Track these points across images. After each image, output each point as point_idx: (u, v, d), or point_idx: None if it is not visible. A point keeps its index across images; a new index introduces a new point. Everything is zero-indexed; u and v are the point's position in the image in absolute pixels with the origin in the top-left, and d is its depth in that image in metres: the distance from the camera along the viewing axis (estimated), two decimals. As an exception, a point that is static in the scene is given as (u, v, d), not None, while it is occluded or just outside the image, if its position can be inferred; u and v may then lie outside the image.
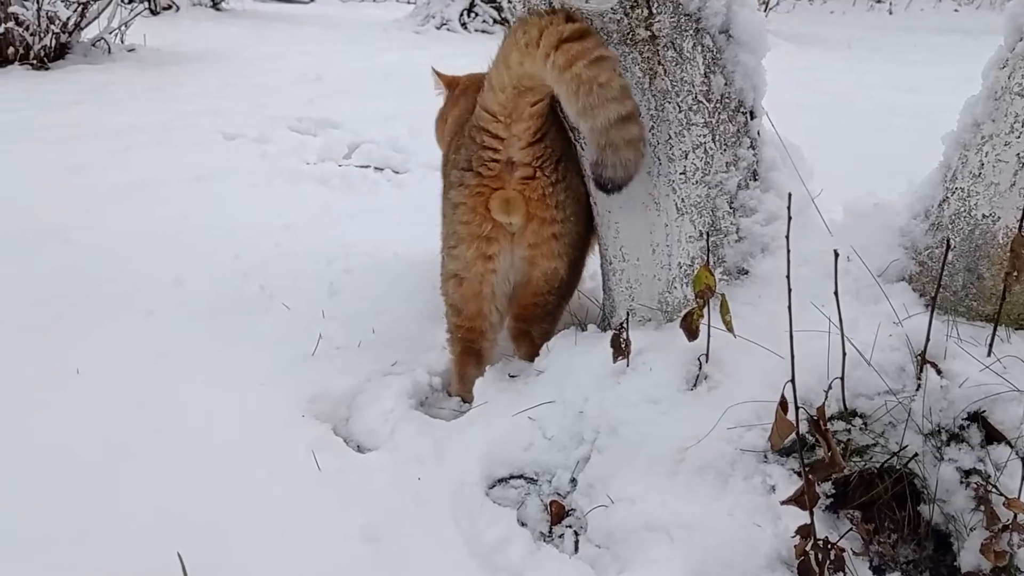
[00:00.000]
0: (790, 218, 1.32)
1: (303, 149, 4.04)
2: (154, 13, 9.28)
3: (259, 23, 9.88)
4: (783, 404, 1.35)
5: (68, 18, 6.04)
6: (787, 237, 1.31)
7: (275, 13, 11.29)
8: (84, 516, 1.54)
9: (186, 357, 2.06)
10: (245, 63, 6.64)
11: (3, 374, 1.95)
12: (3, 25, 5.82)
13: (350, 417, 1.96)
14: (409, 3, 13.09)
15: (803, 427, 1.46)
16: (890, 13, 14.06)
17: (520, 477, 1.72)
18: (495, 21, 9.88)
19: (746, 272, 1.82)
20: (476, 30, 9.71)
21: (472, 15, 9.80)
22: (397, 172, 3.89)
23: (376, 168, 3.94)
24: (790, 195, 1.33)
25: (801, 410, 1.39)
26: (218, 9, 10.48)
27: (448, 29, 9.61)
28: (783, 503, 1.39)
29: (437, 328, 2.25)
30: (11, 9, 5.78)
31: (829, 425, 1.43)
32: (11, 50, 5.95)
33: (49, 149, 3.71)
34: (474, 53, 7.75)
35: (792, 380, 1.32)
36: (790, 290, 1.33)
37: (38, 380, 1.94)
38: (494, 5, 9.91)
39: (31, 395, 1.88)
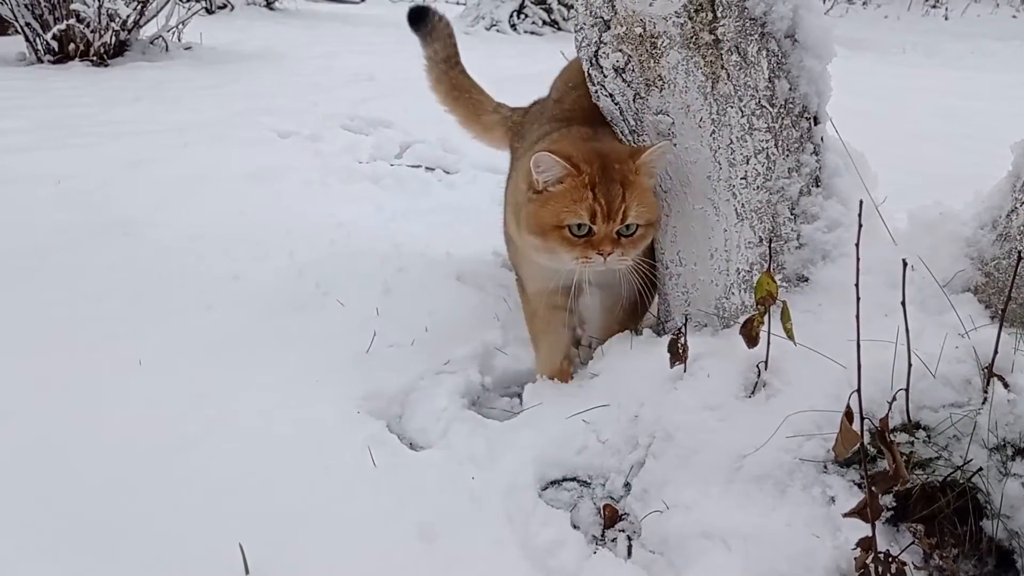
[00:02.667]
0: (860, 225, 1.30)
1: (356, 148, 4.08)
2: (209, 12, 9.44)
3: (312, 22, 10.00)
4: (848, 414, 1.33)
5: (128, 16, 6.17)
6: (857, 245, 1.30)
7: (327, 13, 11.41)
8: (146, 504, 1.57)
9: (245, 352, 2.10)
10: (298, 62, 6.72)
11: (70, 364, 2.00)
12: (64, 22, 5.96)
13: (403, 415, 1.97)
14: (459, 4, 13.15)
15: (866, 438, 1.43)
16: (945, 19, 13.77)
17: (573, 480, 1.72)
18: (544, 23, 9.88)
19: (806, 279, 1.80)
20: (525, 31, 9.71)
21: (522, 16, 9.81)
22: (448, 172, 3.91)
23: (427, 168, 3.96)
24: (861, 202, 1.31)
25: (865, 421, 1.37)
26: (272, 8, 10.63)
27: (497, 30, 9.63)
28: (846, 515, 1.37)
29: (489, 328, 2.26)
30: (72, 6, 5.92)
31: (892, 437, 1.40)
32: (72, 47, 6.09)
33: (112, 144, 3.79)
34: (523, 54, 7.82)
35: (858, 390, 1.30)
36: (859, 298, 1.32)
37: (103, 370, 1.98)
38: (544, 7, 9.90)
39: (97, 385, 1.93)
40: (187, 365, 2.03)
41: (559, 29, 9.90)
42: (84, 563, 1.43)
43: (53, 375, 1.94)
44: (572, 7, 9.91)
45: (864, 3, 14.44)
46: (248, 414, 1.84)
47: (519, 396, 2.06)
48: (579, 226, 1.71)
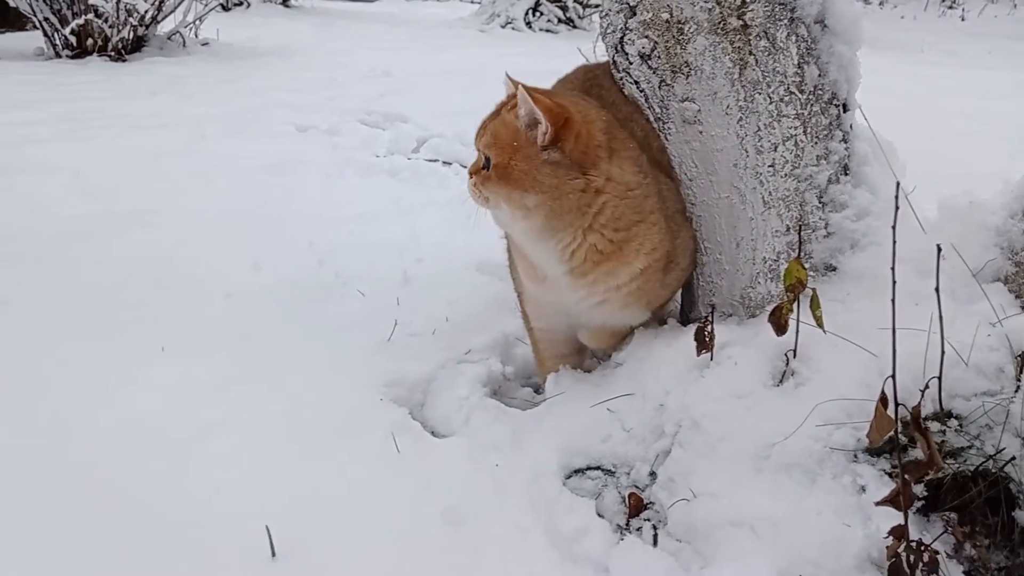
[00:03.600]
0: (897, 207, 1.28)
1: (373, 142, 4.08)
2: (226, 9, 9.48)
3: (327, 20, 10.03)
4: (883, 400, 1.31)
5: (145, 11, 6.19)
6: (893, 227, 1.28)
7: (342, 10, 11.45)
8: (172, 488, 1.57)
9: (267, 339, 2.09)
10: (315, 58, 6.73)
11: (92, 350, 2.00)
12: (83, 16, 5.99)
13: (425, 403, 1.97)
14: (473, 2, 13.16)
15: (898, 426, 1.42)
16: (962, 19, 13.67)
17: (597, 468, 1.70)
18: (560, 20, 9.87)
19: (834, 268, 1.79)
20: (541, 29, 9.71)
21: (537, 14, 9.80)
22: (464, 166, 3.90)
23: (444, 162, 3.96)
24: (898, 184, 1.30)
25: (899, 407, 1.36)
26: (287, 6, 10.67)
27: (513, 28, 9.63)
28: (878, 504, 1.36)
29: (508, 318, 2.24)
30: (91, 2, 5.95)
31: (925, 424, 1.39)
32: (90, 41, 6.12)
33: (130, 137, 3.81)
34: (538, 51, 7.81)
35: (893, 376, 1.29)
36: (894, 282, 1.30)
37: (125, 357, 1.98)
38: (559, 4, 9.90)
39: (120, 371, 1.93)
40: (210, 352, 2.03)
41: (574, 27, 9.90)
42: (112, 544, 1.43)
43: (79, 362, 1.95)
44: (587, 5, 9.94)
45: (880, 3, 14.35)
46: (272, 399, 1.84)
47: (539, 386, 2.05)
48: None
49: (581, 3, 10.02)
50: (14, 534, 1.44)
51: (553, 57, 7.32)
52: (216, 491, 1.56)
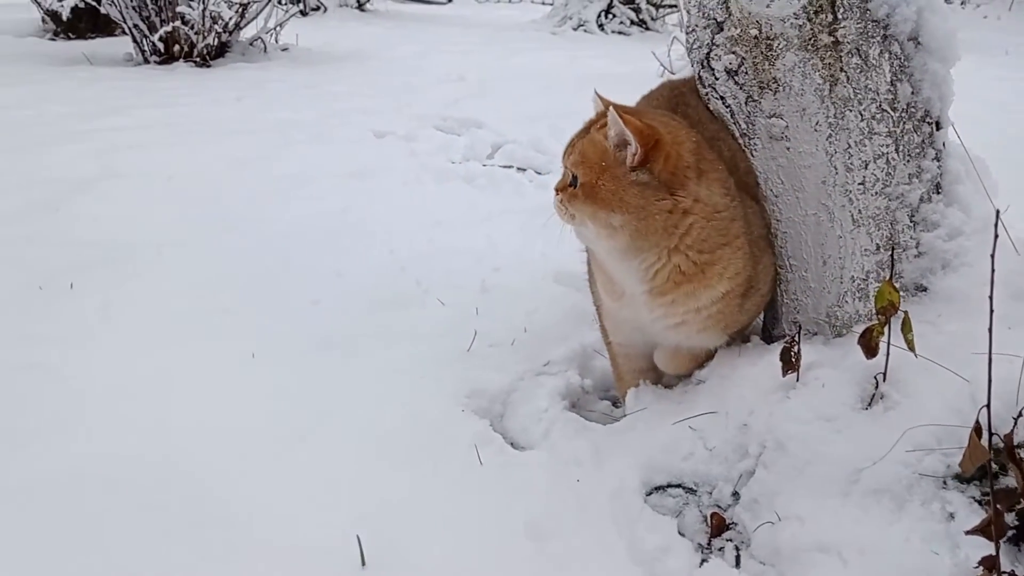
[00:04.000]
0: (996, 235, 1.26)
1: (449, 148, 4.13)
2: (303, 14, 9.68)
3: (401, 23, 10.16)
4: (977, 429, 1.29)
5: (230, 19, 6.38)
6: (992, 256, 1.25)
7: (416, 13, 11.59)
8: (264, 494, 1.62)
9: (351, 347, 2.15)
10: (390, 62, 6.83)
11: (186, 355, 2.08)
12: (171, 24, 6.20)
13: (504, 414, 1.99)
14: (545, 3, 13.18)
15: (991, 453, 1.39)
16: (1053, 18, 13.10)
17: (679, 486, 1.70)
18: (632, 22, 9.81)
19: (925, 289, 1.75)
20: (613, 31, 9.66)
21: (610, 16, 9.76)
22: (539, 173, 3.92)
23: (519, 168, 3.97)
24: (997, 212, 1.27)
25: (992, 436, 1.33)
26: (363, 10, 10.84)
27: (585, 30, 9.60)
28: (968, 532, 1.33)
29: (586, 329, 2.26)
30: (178, 9, 6.15)
31: (1020, 453, 1.36)
32: (176, 48, 6.33)
33: (218, 142, 3.93)
34: (610, 54, 7.78)
35: (988, 406, 1.26)
36: (992, 310, 1.27)
37: (218, 363, 2.06)
38: (632, 6, 9.84)
39: (213, 377, 2.00)
40: (297, 358, 2.09)
41: (647, 29, 9.82)
42: (206, 548, 1.49)
43: (173, 366, 2.03)
44: (660, 6, 9.87)
45: (962, 3, 13.86)
46: (359, 408, 1.89)
47: (617, 400, 2.06)
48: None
49: (654, 4, 9.94)
50: (114, 536, 1.51)
51: (625, 60, 7.34)
52: (307, 498, 1.60)
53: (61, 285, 2.37)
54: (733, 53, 1.81)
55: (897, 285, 1.73)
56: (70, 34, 7.44)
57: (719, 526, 1.60)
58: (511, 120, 4.66)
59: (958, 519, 1.42)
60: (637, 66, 6.76)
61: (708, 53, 1.86)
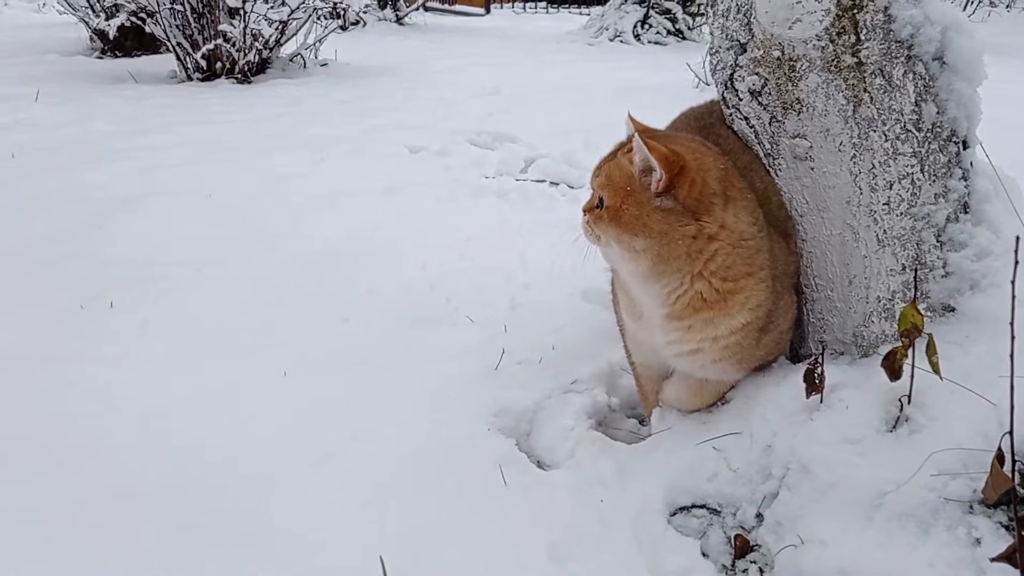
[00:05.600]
0: (1017, 262, 1.25)
1: (482, 163, 4.16)
2: (343, 29, 9.82)
3: (439, 36, 10.25)
4: (999, 457, 1.28)
5: (270, 36, 6.50)
6: (1012, 282, 1.24)
7: (453, 26, 11.68)
8: (290, 513, 1.66)
9: (381, 365, 2.18)
10: (426, 76, 6.91)
11: (221, 372, 2.13)
12: (213, 42, 6.34)
13: (531, 432, 2.01)
14: (582, 15, 13.19)
15: (1016, 479, 1.37)
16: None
17: (703, 507, 1.71)
18: (668, 32, 9.79)
19: (952, 309, 1.74)
20: (649, 42, 9.65)
21: (646, 27, 9.76)
22: (572, 187, 3.94)
23: (551, 183, 3.99)
24: (1017, 238, 1.26)
25: (1017, 463, 1.32)
26: (401, 24, 10.96)
27: (621, 41, 9.61)
28: (993, 560, 1.32)
29: (614, 347, 2.26)
30: (220, 27, 6.29)
31: (1047, 481, 1.34)
32: (219, 65, 6.47)
33: (257, 158, 4.01)
34: (646, 65, 7.77)
35: (1011, 431, 1.25)
36: (1013, 336, 1.26)
37: (251, 379, 2.10)
38: (668, 16, 9.82)
39: (245, 394, 2.05)
40: (327, 376, 2.13)
41: (683, 38, 9.80)
42: (233, 564, 1.53)
43: (207, 384, 2.08)
44: (697, 15, 9.83)
45: (1008, 5, 13.57)
46: (386, 426, 1.92)
47: (644, 418, 2.07)
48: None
49: (691, 14, 9.91)
50: (145, 553, 1.55)
51: (661, 70, 7.33)
52: (332, 517, 1.63)
53: (102, 304, 2.44)
54: (756, 74, 1.82)
55: (924, 305, 1.72)
56: (116, 52, 7.63)
57: (743, 548, 1.60)
58: (545, 134, 4.69)
59: (984, 545, 1.41)
60: (673, 76, 6.75)
61: (732, 74, 1.87)
